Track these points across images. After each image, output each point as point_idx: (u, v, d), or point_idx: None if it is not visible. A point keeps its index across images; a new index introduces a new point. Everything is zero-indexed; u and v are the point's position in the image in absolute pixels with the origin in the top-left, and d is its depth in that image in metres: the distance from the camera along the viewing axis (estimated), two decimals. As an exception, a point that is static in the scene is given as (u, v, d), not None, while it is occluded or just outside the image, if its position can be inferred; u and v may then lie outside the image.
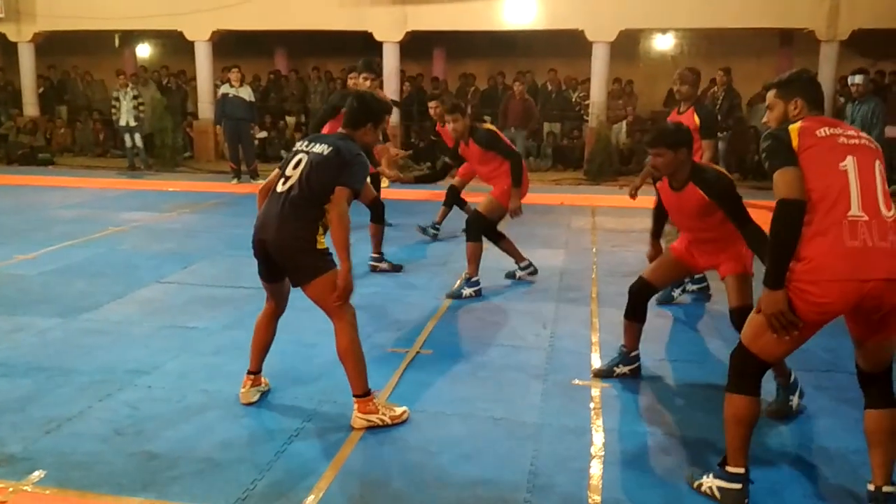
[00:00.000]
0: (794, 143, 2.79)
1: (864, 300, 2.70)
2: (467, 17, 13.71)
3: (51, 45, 15.63)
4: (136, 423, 3.66)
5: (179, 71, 16.27)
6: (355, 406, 3.62)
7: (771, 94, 3.07)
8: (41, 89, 16.07)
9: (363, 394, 3.62)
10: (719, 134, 10.74)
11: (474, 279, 5.88)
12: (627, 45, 14.21)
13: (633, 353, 4.32)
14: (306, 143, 3.68)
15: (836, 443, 3.57)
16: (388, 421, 3.62)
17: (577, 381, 4.25)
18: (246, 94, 12.27)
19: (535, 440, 3.57)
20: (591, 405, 3.95)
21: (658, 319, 5.37)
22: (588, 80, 14.11)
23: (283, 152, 14.38)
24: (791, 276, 2.76)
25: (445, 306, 5.59)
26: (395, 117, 12.48)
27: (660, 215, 4.48)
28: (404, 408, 3.74)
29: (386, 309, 5.53)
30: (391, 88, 13.63)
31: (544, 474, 3.25)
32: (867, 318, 2.80)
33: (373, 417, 3.61)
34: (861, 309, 2.74)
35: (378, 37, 13.87)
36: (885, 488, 2.86)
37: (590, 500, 3.05)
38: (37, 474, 3.18)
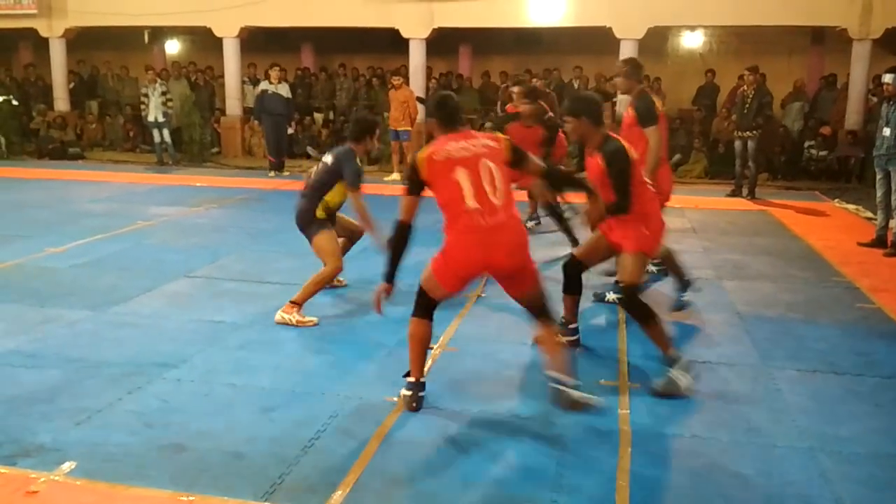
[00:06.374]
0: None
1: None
2: (494, 13, 13.66)
3: (81, 40, 15.81)
4: (165, 416, 3.70)
5: (207, 67, 16.40)
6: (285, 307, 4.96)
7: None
8: (71, 84, 16.26)
9: (298, 302, 4.98)
10: (748, 133, 10.64)
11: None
12: (656, 42, 14.07)
13: (571, 325, 4.65)
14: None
15: (866, 448, 3.52)
16: (295, 322, 4.90)
17: (603, 382, 4.22)
18: (284, 91, 12.70)
19: (561, 441, 3.55)
20: (619, 406, 3.91)
21: (690, 322, 5.32)
22: (615, 77, 13.98)
23: (309, 149, 14.45)
24: None
25: (471, 303, 5.57)
26: (421, 114, 12.47)
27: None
28: (314, 319, 4.97)
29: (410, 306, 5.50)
30: (418, 85, 13.65)
31: (571, 476, 3.23)
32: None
33: (287, 317, 4.93)
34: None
35: (405, 33, 13.88)
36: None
37: None
38: (67, 465, 3.22)
